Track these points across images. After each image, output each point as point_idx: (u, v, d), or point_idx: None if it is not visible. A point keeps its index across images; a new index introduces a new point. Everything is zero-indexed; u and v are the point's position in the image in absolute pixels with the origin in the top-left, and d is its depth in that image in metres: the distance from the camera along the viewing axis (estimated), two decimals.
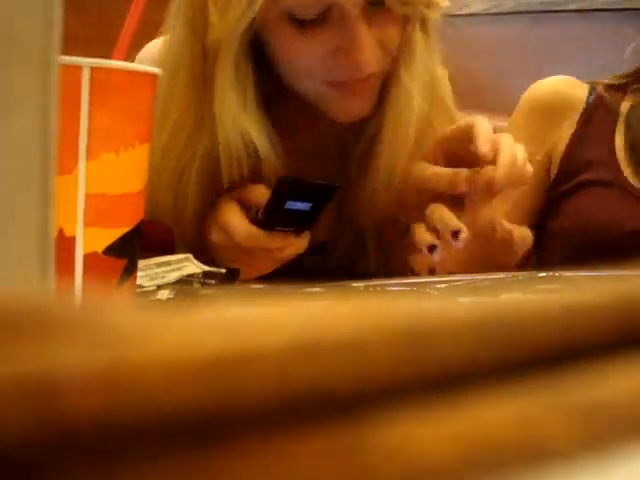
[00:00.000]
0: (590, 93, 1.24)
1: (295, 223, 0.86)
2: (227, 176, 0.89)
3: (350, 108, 0.89)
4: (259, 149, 0.88)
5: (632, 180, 1.17)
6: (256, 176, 0.90)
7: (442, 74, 0.98)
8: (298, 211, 0.84)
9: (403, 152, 0.91)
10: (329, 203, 0.85)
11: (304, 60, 0.87)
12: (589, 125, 1.23)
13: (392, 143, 0.91)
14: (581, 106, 1.24)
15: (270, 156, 0.89)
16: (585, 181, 1.20)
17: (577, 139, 1.22)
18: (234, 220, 0.86)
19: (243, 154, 0.88)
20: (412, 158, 0.90)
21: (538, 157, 1.16)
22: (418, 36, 0.90)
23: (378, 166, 0.92)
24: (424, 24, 0.91)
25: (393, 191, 0.91)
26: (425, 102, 0.91)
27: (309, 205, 0.84)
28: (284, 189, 0.82)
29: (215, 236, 0.88)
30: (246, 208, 0.87)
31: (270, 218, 0.85)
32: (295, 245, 0.86)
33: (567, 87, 1.24)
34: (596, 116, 1.23)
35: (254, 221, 0.86)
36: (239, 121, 0.87)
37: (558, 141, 1.23)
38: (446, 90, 0.99)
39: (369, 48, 0.84)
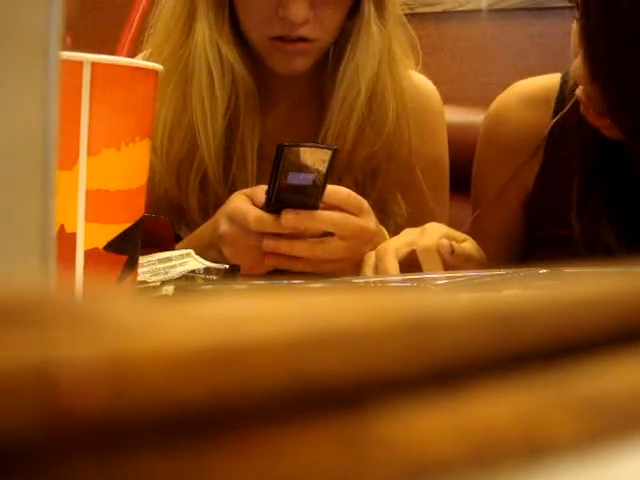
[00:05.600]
0: (556, 110, 1.01)
1: (301, 202, 0.85)
2: (198, 86, 1.00)
3: (288, 65, 1.00)
4: (229, 61, 1.00)
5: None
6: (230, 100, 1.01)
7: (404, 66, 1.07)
8: (301, 187, 0.84)
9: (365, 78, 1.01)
10: (330, 173, 0.85)
11: (255, 10, 0.98)
12: (556, 152, 1.01)
13: (353, 75, 1.02)
14: (545, 128, 1.01)
15: (243, 74, 1.00)
16: (554, 237, 1.01)
17: (545, 172, 1.01)
18: (242, 206, 0.88)
19: (216, 66, 1.00)
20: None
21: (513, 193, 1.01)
22: (371, 21, 1.01)
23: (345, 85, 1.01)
24: (379, 7, 1.02)
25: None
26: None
27: (311, 177, 0.84)
28: (282, 154, 0.82)
29: (224, 227, 0.89)
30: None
31: (275, 198, 0.84)
32: (307, 248, 0.87)
33: (526, 108, 1.03)
34: (565, 138, 1.00)
35: (263, 209, 0.87)
36: (214, 36, 1.00)
37: (528, 175, 1.02)
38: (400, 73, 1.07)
39: (302, 7, 0.95)
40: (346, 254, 0.88)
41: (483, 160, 1.08)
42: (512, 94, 1.06)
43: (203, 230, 0.97)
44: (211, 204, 1.03)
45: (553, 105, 1.02)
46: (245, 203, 0.88)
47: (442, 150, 1.12)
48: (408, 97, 1.06)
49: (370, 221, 0.89)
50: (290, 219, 0.85)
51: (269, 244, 0.87)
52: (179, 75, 1.02)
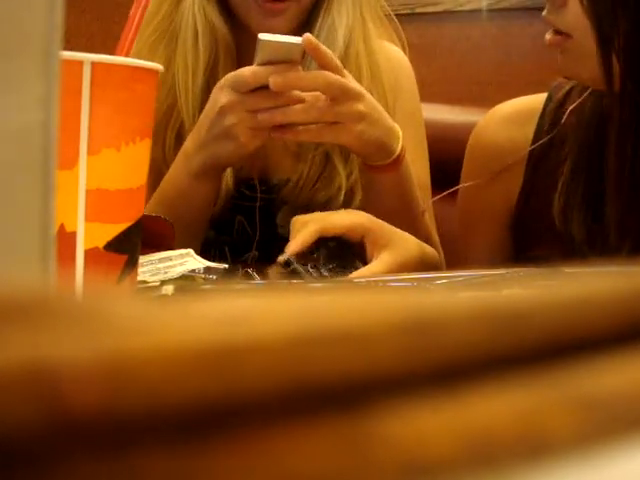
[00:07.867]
0: (539, 124, 1.02)
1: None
2: (182, 43, 1.11)
3: (266, 24, 1.06)
4: (211, 20, 1.09)
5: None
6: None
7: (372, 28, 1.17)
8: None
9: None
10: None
11: None
12: (537, 171, 1.01)
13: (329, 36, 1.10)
14: (527, 145, 1.02)
15: (224, 33, 1.10)
16: (535, 257, 1.00)
17: (526, 191, 1.02)
18: (236, 72, 0.95)
19: (201, 24, 1.09)
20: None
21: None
22: None
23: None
24: None
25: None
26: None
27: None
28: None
29: (222, 99, 0.95)
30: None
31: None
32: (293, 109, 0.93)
33: (510, 127, 1.04)
34: (546, 156, 1.00)
35: None
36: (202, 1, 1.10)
37: (514, 195, 1.03)
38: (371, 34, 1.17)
39: None
40: (338, 114, 0.95)
41: (467, 179, 1.08)
42: (494, 113, 1.07)
43: (190, 140, 1.02)
44: None
45: (536, 121, 1.03)
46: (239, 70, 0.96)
47: (417, 105, 1.20)
48: (382, 60, 1.15)
49: (352, 82, 0.97)
50: (277, 78, 0.92)
51: (263, 116, 0.93)
52: (169, 36, 1.12)
